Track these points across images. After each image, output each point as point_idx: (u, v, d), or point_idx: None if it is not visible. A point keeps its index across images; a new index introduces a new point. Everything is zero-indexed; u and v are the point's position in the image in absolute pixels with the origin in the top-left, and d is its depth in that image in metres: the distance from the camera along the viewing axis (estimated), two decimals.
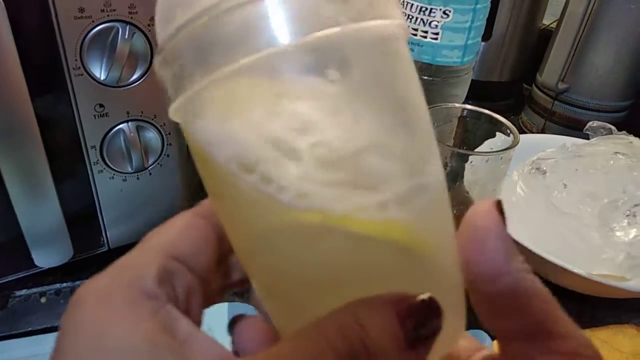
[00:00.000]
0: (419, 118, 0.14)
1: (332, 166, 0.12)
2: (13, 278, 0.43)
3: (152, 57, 0.39)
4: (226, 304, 0.42)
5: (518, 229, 0.42)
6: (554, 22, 0.78)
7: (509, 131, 0.40)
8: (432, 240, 0.15)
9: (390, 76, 0.13)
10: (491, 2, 0.52)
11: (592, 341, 0.16)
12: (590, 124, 0.57)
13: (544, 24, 0.81)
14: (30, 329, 0.40)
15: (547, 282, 0.16)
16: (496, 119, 0.40)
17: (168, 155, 0.44)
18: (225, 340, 0.41)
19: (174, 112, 0.14)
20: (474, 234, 0.16)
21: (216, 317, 0.41)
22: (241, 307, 0.42)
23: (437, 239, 0.15)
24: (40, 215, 0.38)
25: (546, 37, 0.73)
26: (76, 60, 0.37)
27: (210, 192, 0.16)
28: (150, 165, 0.44)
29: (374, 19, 0.12)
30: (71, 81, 0.37)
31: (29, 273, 0.43)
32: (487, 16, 0.52)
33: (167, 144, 0.44)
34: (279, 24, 0.12)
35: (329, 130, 0.12)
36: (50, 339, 0.39)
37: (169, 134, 0.43)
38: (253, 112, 0.13)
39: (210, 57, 0.13)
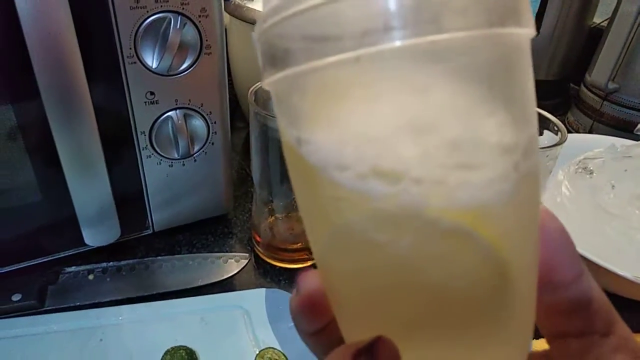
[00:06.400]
0: (532, 115, 0.14)
1: (443, 151, 0.12)
2: (64, 255, 0.45)
3: (201, 48, 0.40)
4: (264, 289, 0.43)
5: None
6: (605, 20, 0.75)
7: (556, 128, 0.39)
8: (522, 247, 0.14)
9: (509, 82, 0.13)
10: None
11: None
12: None
13: (594, 22, 0.79)
14: (78, 303, 0.42)
15: None
16: (544, 116, 0.39)
17: (213, 144, 0.46)
18: (261, 322, 0.42)
19: (274, 81, 0.14)
20: (545, 238, 0.15)
21: (255, 302, 0.42)
22: (278, 293, 0.43)
23: (526, 247, 0.14)
24: (92, 196, 0.40)
25: (596, 35, 0.71)
26: (130, 49, 0.38)
27: (294, 183, 0.15)
28: (196, 153, 0.45)
29: (509, 26, 0.12)
30: (125, 69, 0.39)
31: (79, 251, 0.45)
32: (535, 11, 0.51)
33: (213, 133, 0.45)
34: (404, 17, 0.11)
35: (443, 121, 0.12)
36: (96, 313, 0.41)
37: (215, 122, 0.45)
38: (363, 102, 0.12)
39: (321, 41, 0.12)
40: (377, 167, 0.12)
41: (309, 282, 0.17)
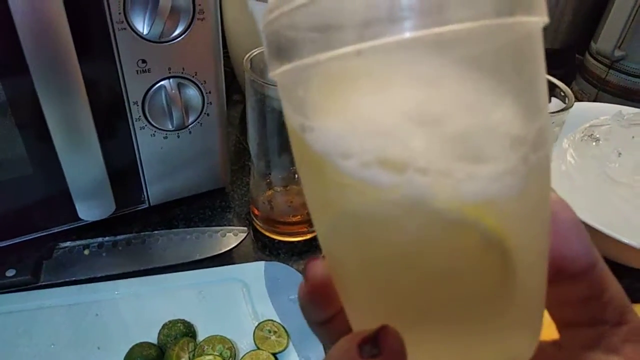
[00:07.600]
0: (543, 105, 0.13)
1: (449, 143, 0.12)
2: (59, 230, 0.44)
3: (194, 12, 0.39)
4: (263, 262, 0.42)
5: (568, 200, 0.40)
6: None
7: (563, 94, 0.38)
8: (530, 239, 0.14)
9: (518, 73, 0.13)
10: None
11: None
12: None
13: None
14: (73, 278, 0.41)
15: None
16: (551, 83, 0.38)
17: (208, 115, 0.44)
18: (260, 295, 0.41)
19: (279, 74, 0.13)
20: (557, 228, 0.15)
21: (254, 275, 0.41)
22: (277, 266, 0.42)
23: (534, 238, 0.14)
24: (84, 169, 0.39)
25: (602, 3, 0.69)
26: (120, 14, 0.36)
27: (299, 170, 0.15)
28: (191, 124, 0.44)
29: (519, 15, 0.12)
30: (115, 35, 0.37)
31: (73, 226, 0.45)
32: None
33: (208, 103, 0.44)
34: (408, 8, 0.11)
35: (451, 110, 0.12)
36: (92, 288, 0.40)
37: (210, 92, 0.43)
38: (371, 94, 0.12)
39: (324, 33, 0.12)
40: (381, 156, 0.12)
41: (317, 271, 0.17)
